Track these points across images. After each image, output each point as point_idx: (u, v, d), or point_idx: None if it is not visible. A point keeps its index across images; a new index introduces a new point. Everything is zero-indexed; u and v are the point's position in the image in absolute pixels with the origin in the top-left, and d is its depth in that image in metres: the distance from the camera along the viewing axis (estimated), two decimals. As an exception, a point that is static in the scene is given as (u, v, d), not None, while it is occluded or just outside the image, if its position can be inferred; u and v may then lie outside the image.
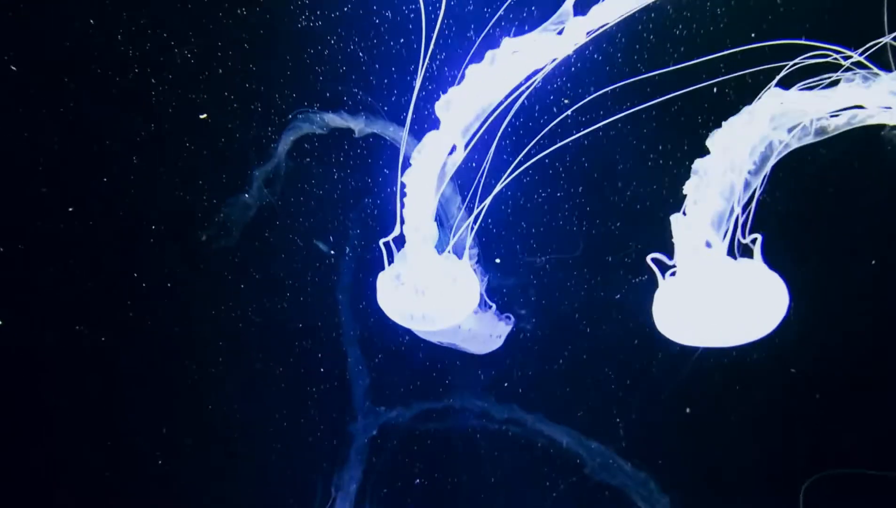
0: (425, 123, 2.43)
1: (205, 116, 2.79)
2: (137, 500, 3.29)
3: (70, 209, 2.94)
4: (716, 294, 2.07)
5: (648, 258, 2.13)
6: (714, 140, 2.13)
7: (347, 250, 3.00)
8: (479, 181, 2.45)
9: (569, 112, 2.49)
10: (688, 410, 2.95)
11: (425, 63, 2.40)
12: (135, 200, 2.93)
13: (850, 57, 2.06)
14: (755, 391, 2.94)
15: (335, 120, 2.79)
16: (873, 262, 2.75)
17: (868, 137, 2.25)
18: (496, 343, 2.88)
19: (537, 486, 3.19)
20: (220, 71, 2.75)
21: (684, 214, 2.09)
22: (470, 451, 3.22)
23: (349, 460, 3.25)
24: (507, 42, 2.18)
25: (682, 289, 2.11)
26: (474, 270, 2.52)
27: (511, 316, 2.88)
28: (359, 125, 2.78)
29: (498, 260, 2.89)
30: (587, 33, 2.15)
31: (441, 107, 2.25)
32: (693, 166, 2.14)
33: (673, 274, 2.13)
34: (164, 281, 3.06)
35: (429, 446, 3.24)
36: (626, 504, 3.10)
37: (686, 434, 3.06)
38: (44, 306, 3.09)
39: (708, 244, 2.06)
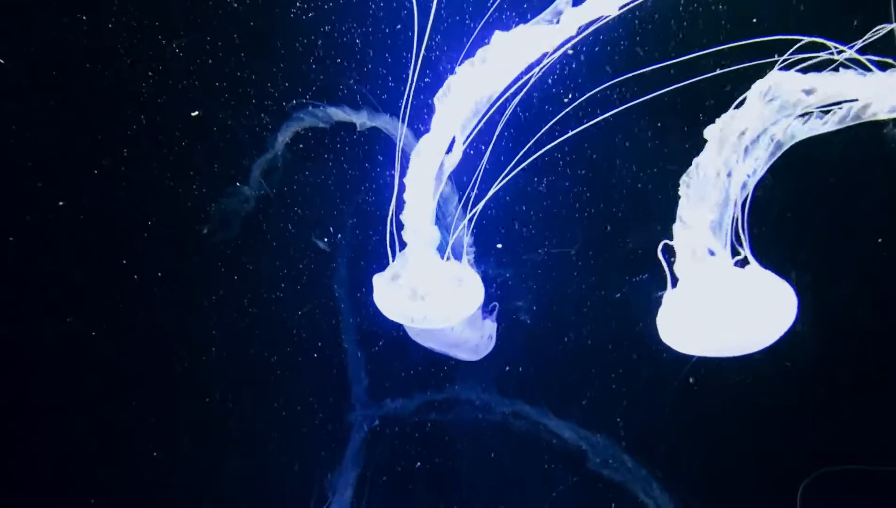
0: (423, 109, 2.39)
1: (196, 113, 2.76)
2: (133, 492, 3.30)
3: (61, 203, 2.92)
4: (722, 305, 1.99)
5: (659, 249, 2.09)
6: (709, 136, 2.07)
7: (340, 237, 2.98)
8: (478, 177, 2.43)
9: (574, 104, 2.46)
10: (691, 380, 2.94)
11: (422, 52, 2.37)
12: (127, 193, 2.90)
13: (845, 51, 2.01)
14: (755, 390, 2.92)
15: (338, 114, 2.76)
16: (873, 261, 2.74)
17: (868, 137, 2.21)
18: (489, 346, 2.86)
19: (539, 479, 3.21)
20: (211, 62, 2.70)
21: (679, 217, 2.04)
22: (471, 441, 3.23)
23: (347, 450, 3.25)
24: (498, 36, 2.14)
25: (686, 301, 2.04)
26: (470, 264, 2.50)
27: (497, 304, 2.86)
28: (361, 119, 2.75)
29: (500, 245, 2.87)
30: (586, 25, 2.11)
31: (439, 97, 2.22)
32: (694, 163, 2.11)
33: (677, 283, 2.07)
34: (159, 273, 3.04)
35: (430, 436, 3.24)
36: (628, 498, 3.12)
37: (686, 434, 3.06)
38: (35, 300, 3.07)
39: (711, 252, 1.99)
